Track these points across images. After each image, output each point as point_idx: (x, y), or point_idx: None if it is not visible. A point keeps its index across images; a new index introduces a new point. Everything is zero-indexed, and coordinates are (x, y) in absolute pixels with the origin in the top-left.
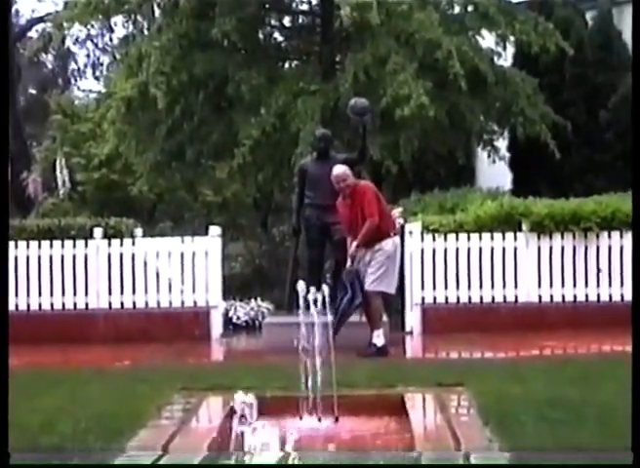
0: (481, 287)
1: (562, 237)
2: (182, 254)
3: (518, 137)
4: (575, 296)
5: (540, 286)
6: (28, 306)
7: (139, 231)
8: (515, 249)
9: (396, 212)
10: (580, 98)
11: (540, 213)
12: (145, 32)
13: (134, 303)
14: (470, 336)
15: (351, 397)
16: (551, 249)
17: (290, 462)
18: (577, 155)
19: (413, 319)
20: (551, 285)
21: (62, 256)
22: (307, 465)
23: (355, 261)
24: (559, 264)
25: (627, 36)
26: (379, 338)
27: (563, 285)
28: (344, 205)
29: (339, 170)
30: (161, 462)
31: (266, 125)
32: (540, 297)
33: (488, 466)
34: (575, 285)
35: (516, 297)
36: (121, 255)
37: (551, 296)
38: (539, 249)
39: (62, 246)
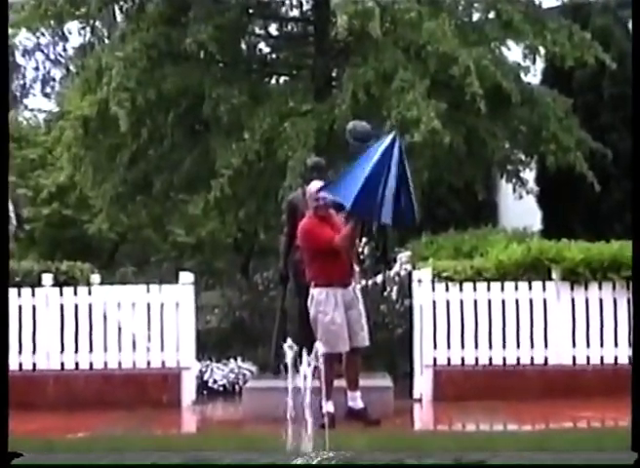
0: (504, 346)
1: (600, 287)
2: (149, 306)
3: (548, 168)
4: (616, 358)
5: (574, 345)
6: None
7: (96, 277)
8: (544, 301)
9: (403, 256)
10: (622, 122)
11: (575, 258)
12: (106, 41)
13: (90, 364)
14: (491, 405)
15: None
16: (587, 301)
17: None
18: (618, 189)
19: (423, 384)
20: (588, 344)
21: None
22: (307, 465)
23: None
24: (597, 320)
25: None
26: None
27: (602, 344)
28: (324, 225)
29: (316, 185)
30: None
31: (249, 152)
32: (573, 359)
33: (490, 466)
34: (616, 344)
35: (545, 359)
36: (75, 307)
37: (587, 358)
38: (572, 301)
39: None
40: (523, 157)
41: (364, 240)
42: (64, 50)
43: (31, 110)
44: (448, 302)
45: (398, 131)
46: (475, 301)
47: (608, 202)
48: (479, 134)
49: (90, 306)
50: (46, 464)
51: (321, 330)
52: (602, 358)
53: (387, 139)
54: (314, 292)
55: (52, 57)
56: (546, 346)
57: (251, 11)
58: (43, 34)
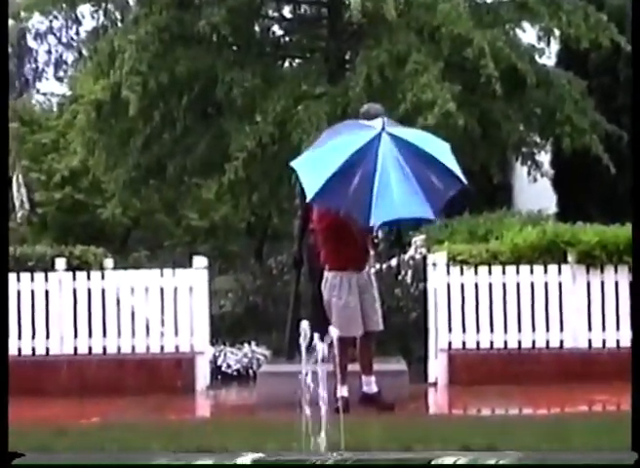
0: (519, 330)
1: (616, 270)
2: (162, 290)
3: (564, 151)
4: (633, 341)
5: (589, 328)
6: None
7: (109, 262)
8: (560, 284)
9: (418, 239)
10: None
11: (590, 241)
12: (119, 24)
13: (104, 348)
14: (506, 389)
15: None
16: (603, 284)
17: None
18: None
19: (437, 368)
20: (603, 327)
21: (19, 292)
22: (307, 465)
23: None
24: (613, 303)
25: None
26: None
27: (618, 327)
28: None
29: None
30: None
31: (263, 135)
32: (589, 342)
33: (490, 466)
34: (633, 327)
35: (561, 342)
36: (88, 291)
37: (603, 341)
38: (588, 284)
39: (18, 279)
40: (538, 139)
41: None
42: (77, 33)
43: (44, 94)
44: (463, 286)
45: (388, 120)
46: (490, 285)
47: (623, 184)
48: (494, 116)
49: (103, 291)
50: (46, 464)
51: (335, 313)
52: (618, 341)
53: (372, 131)
54: (328, 275)
55: (64, 40)
56: (562, 330)
57: None
58: (56, 17)
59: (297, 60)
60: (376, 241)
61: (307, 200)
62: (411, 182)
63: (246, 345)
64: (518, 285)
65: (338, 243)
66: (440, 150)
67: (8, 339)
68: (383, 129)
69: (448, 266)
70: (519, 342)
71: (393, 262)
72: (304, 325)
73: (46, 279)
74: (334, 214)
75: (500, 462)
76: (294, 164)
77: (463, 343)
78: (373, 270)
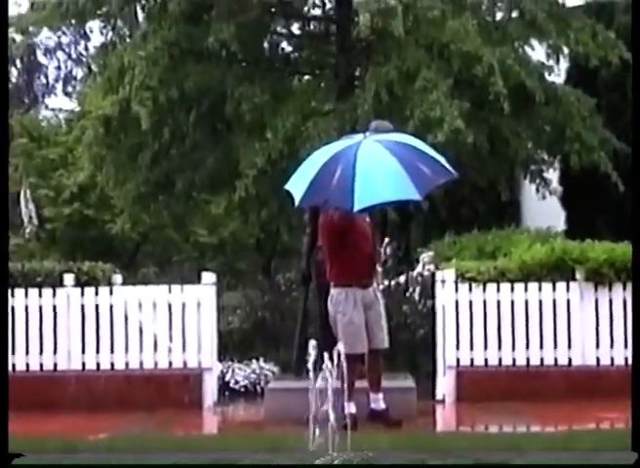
0: (527, 347)
1: (624, 288)
2: (170, 306)
3: (572, 168)
4: (634, 342)
5: (597, 346)
6: None
7: (118, 278)
8: (568, 301)
9: (426, 256)
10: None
11: (599, 258)
12: (128, 40)
13: (112, 364)
14: (514, 406)
15: None
16: (611, 301)
17: None
18: None
19: (445, 385)
20: (612, 345)
21: (27, 307)
22: (307, 465)
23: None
24: (621, 320)
25: None
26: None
27: (626, 345)
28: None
29: None
30: None
31: (272, 151)
32: (597, 360)
33: (490, 466)
34: (633, 329)
35: (569, 360)
36: (97, 307)
37: (612, 359)
38: (596, 301)
39: (26, 295)
40: (546, 157)
41: (386, 240)
42: (86, 49)
43: (52, 110)
44: (471, 303)
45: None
46: (498, 302)
47: (632, 202)
48: (502, 133)
49: (111, 306)
50: (46, 464)
51: (340, 330)
52: (626, 359)
53: (355, 138)
54: (333, 291)
55: (73, 56)
56: (570, 347)
57: (273, 9)
58: (65, 33)
59: (306, 77)
60: (384, 257)
61: (295, 205)
62: (395, 166)
63: (254, 361)
64: (526, 302)
65: (343, 259)
66: (427, 147)
67: (8, 339)
68: (366, 137)
69: (456, 283)
70: (527, 360)
71: (401, 279)
72: (312, 342)
73: (54, 294)
74: (339, 229)
75: (502, 462)
76: (286, 186)
77: (471, 360)
78: (381, 287)
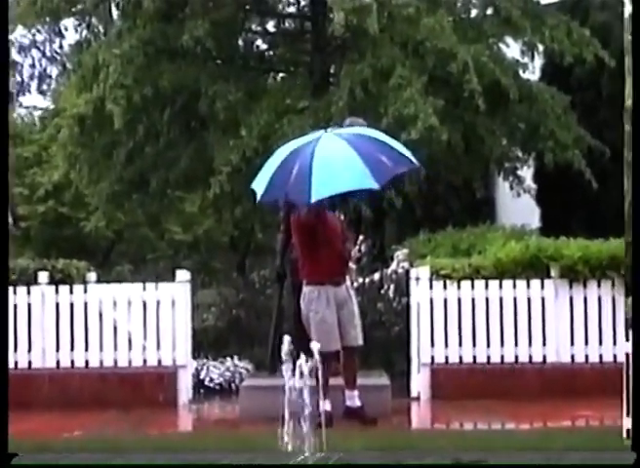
0: (502, 344)
1: (599, 285)
2: (144, 304)
3: (546, 165)
4: (614, 356)
5: (572, 343)
6: None
7: (92, 276)
8: (543, 299)
9: (400, 253)
10: (621, 119)
11: (573, 256)
12: (102, 38)
13: (86, 362)
14: (489, 403)
15: None
16: (586, 299)
17: None
18: (617, 187)
19: (420, 382)
20: (586, 342)
21: None
22: (307, 465)
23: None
24: (596, 317)
25: None
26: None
27: (601, 342)
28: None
29: None
30: None
31: (247, 148)
32: (572, 357)
33: (489, 466)
34: (614, 342)
35: (544, 357)
36: (71, 305)
37: (586, 356)
38: (571, 299)
39: None
40: (521, 154)
41: (360, 238)
42: (61, 47)
43: (27, 108)
44: (445, 300)
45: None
46: (473, 299)
47: (606, 199)
48: (477, 131)
49: (86, 304)
50: (46, 464)
51: (312, 328)
52: (601, 356)
53: (315, 134)
54: (306, 289)
55: (48, 54)
56: (545, 344)
57: (247, 7)
58: (39, 31)
59: (280, 74)
60: (358, 255)
61: (257, 201)
62: (352, 157)
63: (228, 359)
64: (501, 299)
65: (316, 257)
66: (389, 139)
67: (8, 339)
68: (327, 132)
69: (431, 281)
70: (502, 357)
71: (376, 277)
72: (286, 339)
73: (28, 292)
74: (307, 226)
75: (499, 462)
76: (252, 185)
77: (446, 358)
78: (355, 284)
